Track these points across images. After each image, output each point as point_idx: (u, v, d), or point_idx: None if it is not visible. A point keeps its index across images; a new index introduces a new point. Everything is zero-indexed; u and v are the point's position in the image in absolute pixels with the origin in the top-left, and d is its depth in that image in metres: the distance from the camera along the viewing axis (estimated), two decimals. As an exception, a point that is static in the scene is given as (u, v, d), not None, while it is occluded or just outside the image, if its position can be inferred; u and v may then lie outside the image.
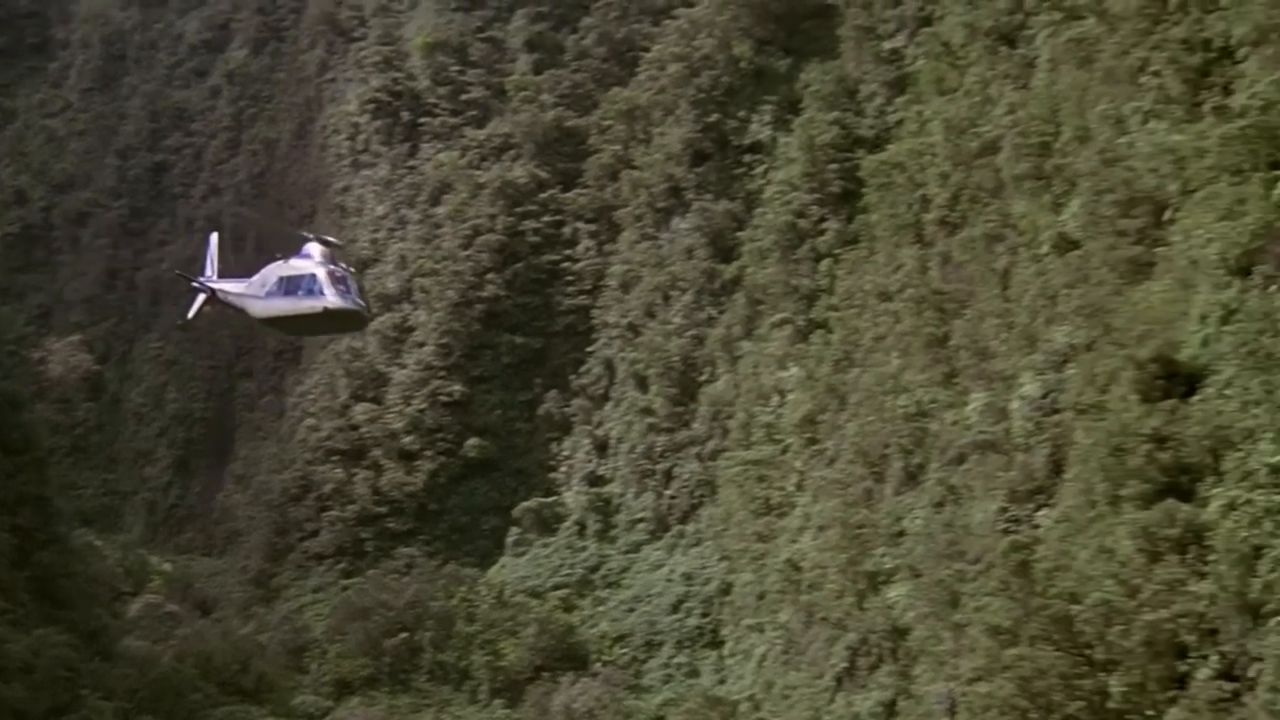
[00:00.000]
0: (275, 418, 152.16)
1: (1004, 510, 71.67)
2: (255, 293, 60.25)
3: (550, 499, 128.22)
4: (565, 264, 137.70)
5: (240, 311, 62.47)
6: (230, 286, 63.04)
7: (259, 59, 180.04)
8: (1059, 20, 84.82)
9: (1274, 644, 47.23)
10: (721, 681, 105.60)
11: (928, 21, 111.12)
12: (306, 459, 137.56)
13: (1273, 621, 47.63)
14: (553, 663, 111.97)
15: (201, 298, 65.04)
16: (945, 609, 74.12)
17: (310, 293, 57.01)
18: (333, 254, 59.05)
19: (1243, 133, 57.49)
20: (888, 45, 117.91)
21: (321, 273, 57.16)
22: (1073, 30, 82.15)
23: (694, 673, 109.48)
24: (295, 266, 58.36)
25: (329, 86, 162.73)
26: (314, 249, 58.67)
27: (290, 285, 57.90)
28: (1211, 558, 50.92)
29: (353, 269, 59.45)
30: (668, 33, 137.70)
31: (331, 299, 56.63)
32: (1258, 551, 48.70)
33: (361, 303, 58.61)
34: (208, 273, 65.95)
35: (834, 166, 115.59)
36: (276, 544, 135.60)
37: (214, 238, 67.32)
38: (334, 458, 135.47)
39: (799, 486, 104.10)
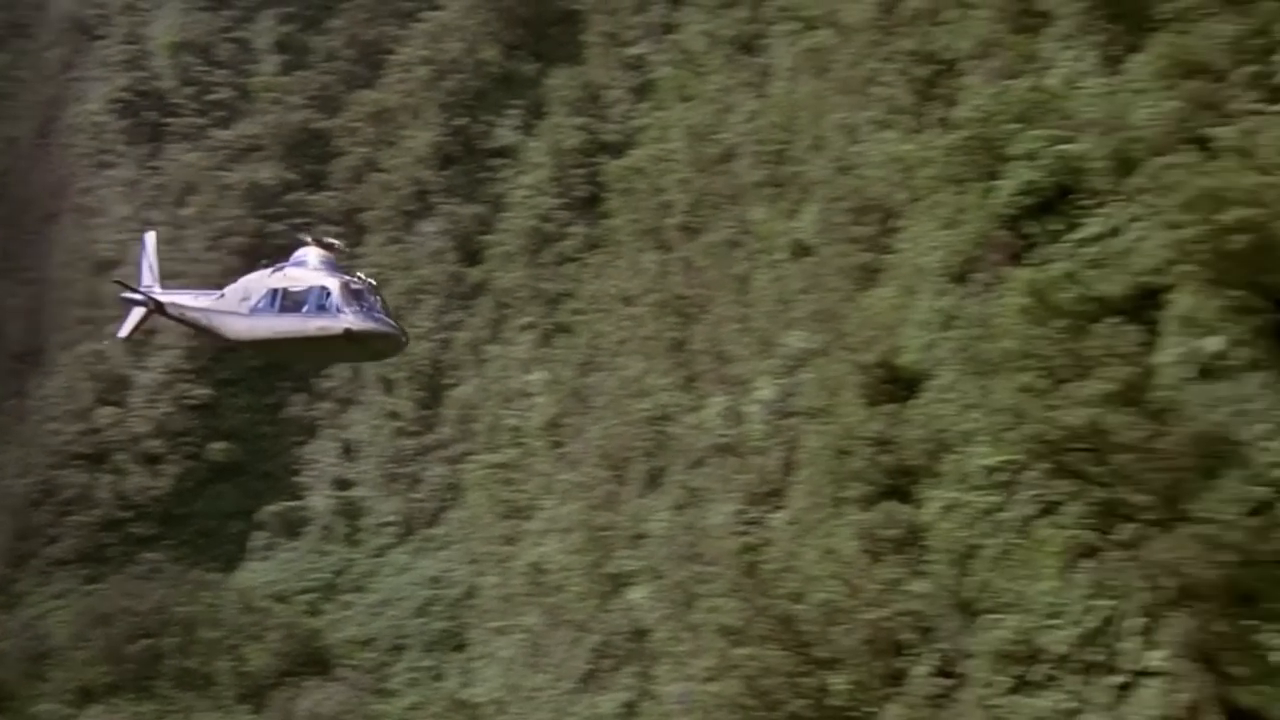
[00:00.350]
0: (17, 421, 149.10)
1: (740, 512, 72.83)
2: (232, 308, 47.10)
3: (296, 503, 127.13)
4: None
5: (206, 331, 49.24)
6: (187, 299, 50.14)
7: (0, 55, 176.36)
8: (796, 30, 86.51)
9: (986, 641, 48.65)
10: (467, 684, 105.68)
11: (671, 29, 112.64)
12: (48, 463, 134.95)
13: (985, 619, 49.09)
14: (298, 667, 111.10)
15: (141, 311, 51.79)
16: (683, 610, 75.13)
17: (323, 310, 43.88)
18: (336, 259, 46.14)
19: (965, 143, 58.95)
20: (632, 52, 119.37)
21: (335, 284, 44.16)
22: (809, 40, 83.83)
23: (440, 676, 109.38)
24: (294, 277, 45.39)
25: (72, 85, 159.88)
26: (310, 254, 45.78)
27: (290, 300, 45.04)
28: (929, 558, 52.34)
29: (373, 281, 45.70)
30: (415, 36, 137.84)
31: (354, 320, 43.42)
32: (972, 551, 50.12)
33: (393, 324, 45.21)
34: (146, 280, 52.57)
35: (579, 171, 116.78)
36: (18, 549, 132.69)
37: (150, 237, 54.16)
38: (77, 462, 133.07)
39: (544, 489, 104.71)
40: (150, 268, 52.66)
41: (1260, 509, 44.12)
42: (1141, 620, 45.15)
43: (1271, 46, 51.36)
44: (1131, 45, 56.24)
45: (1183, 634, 43.91)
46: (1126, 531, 45.51)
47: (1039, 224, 54.18)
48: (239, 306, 46.87)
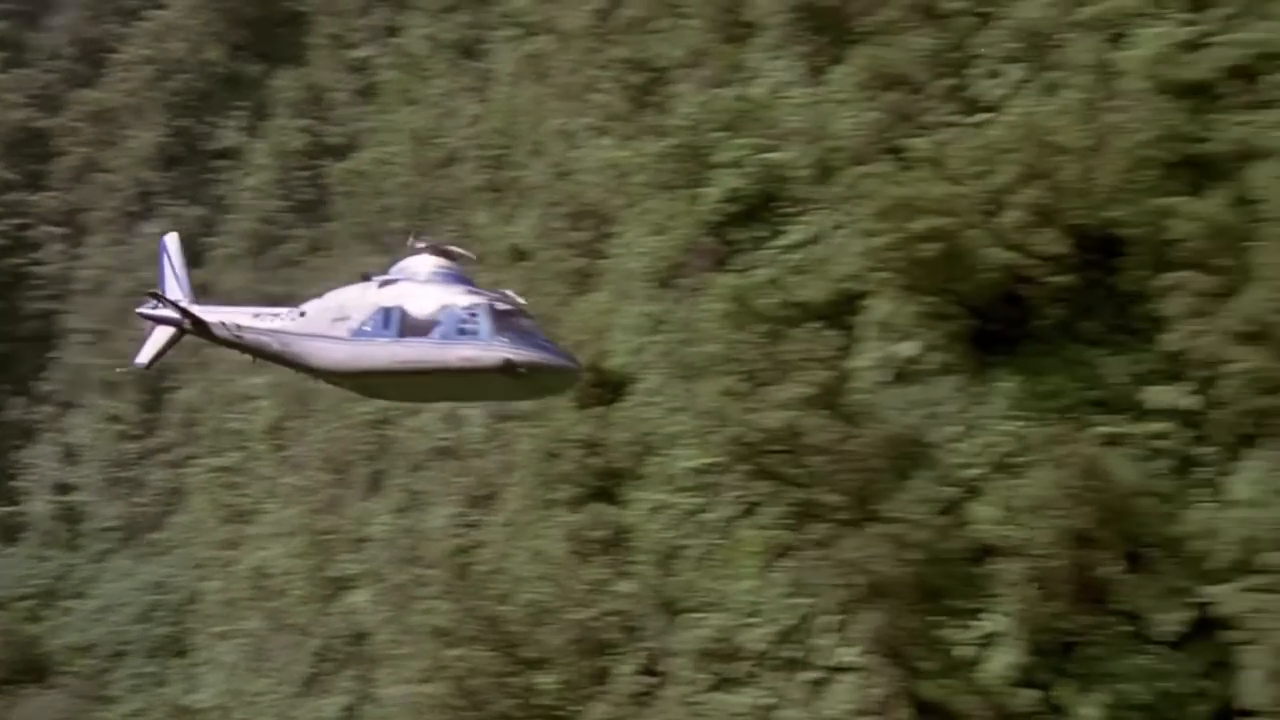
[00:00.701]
0: None
1: (457, 515, 73.18)
2: (322, 331, 36.56)
3: (14, 508, 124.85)
4: (32, 268, 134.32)
5: (278, 358, 38.18)
6: (245, 318, 39.19)
7: None
8: (517, 36, 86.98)
9: (688, 640, 49.63)
10: (190, 690, 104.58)
11: (394, 32, 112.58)
12: None
13: (688, 618, 50.03)
14: (16, 675, 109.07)
15: (169, 332, 40.59)
16: (402, 613, 75.26)
17: (466, 335, 33.70)
18: (462, 270, 35.86)
19: (675, 151, 59.86)
20: (356, 54, 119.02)
21: (481, 304, 33.90)
22: (529, 46, 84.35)
23: (162, 682, 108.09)
24: (414, 293, 34.85)
25: None
26: (423, 263, 35.28)
27: (412, 323, 34.68)
28: (635, 558, 53.17)
29: (521, 299, 35.24)
30: (138, 34, 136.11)
31: (515, 350, 33.23)
32: (676, 552, 51.12)
33: (565, 354, 34.17)
34: (170, 293, 41.53)
35: (303, 174, 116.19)
36: None
37: (172, 240, 42.81)
38: None
39: (267, 493, 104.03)
40: (177, 277, 41.81)
41: (948, 508, 45.64)
42: (835, 617, 46.44)
43: (966, 60, 53.04)
44: (835, 57, 57.69)
45: (874, 630, 45.23)
46: (821, 531, 46.70)
47: (744, 230, 55.33)
48: (332, 329, 36.15)
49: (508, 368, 32.63)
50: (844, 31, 57.57)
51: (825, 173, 53.72)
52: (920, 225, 46.82)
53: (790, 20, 59.82)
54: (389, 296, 34.60)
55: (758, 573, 48.34)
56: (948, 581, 44.85)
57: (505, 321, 32.96)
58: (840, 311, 50.72)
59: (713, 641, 48.85)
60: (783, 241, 54.07)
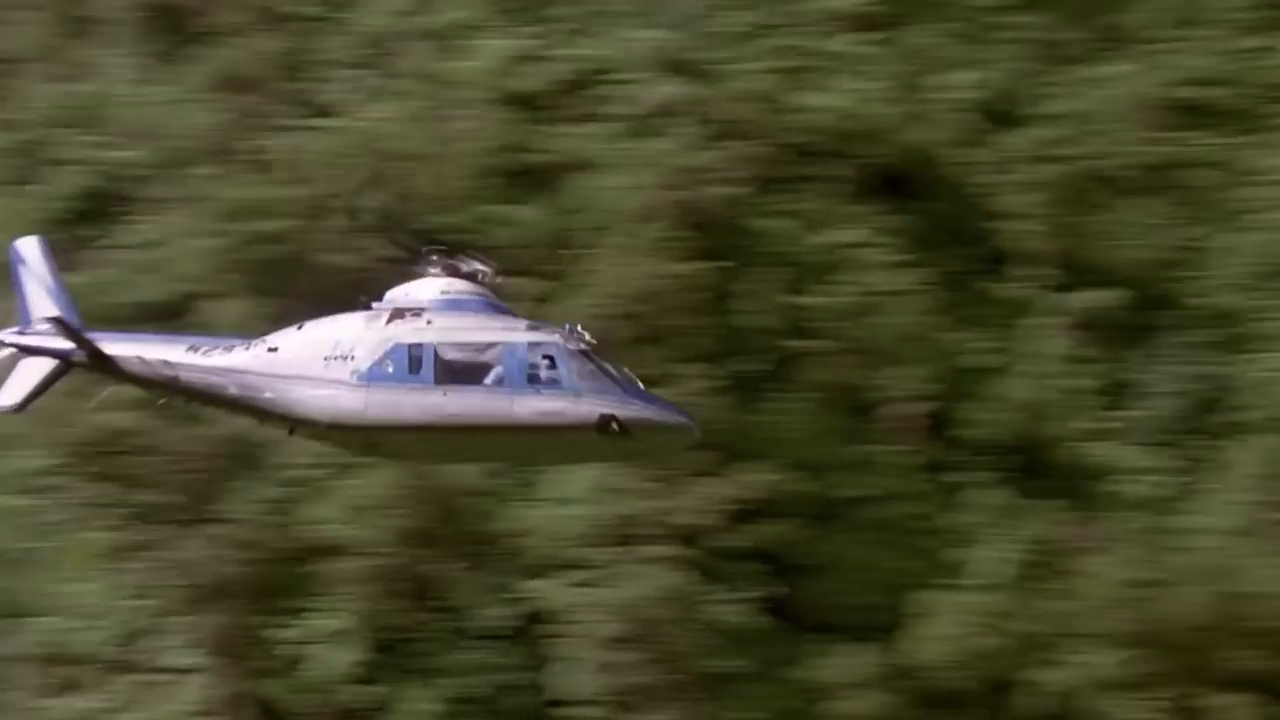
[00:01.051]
0: None
1: None
2: (312, 372, 28.18)
3: None
4: None
5: (235, 405, 29.30)
6: (177, 353, 29.59)
7: None
8: None
9: (28, 644, 48.81)
10: None
11: None
12: None
13: (27, 622, 49.22)
14: None
15: (44, 365, 30.20)
16: None
17: (539, 384, 26.75)
18: (492, 296, 29.10)
19: (21, 146, 58.67)
20: None
21: (555, 342, 27.13)
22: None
23: None
24: (444, 327, 27.74)
25: None
26: (433, 289, 28.73)
27: (454, 366, 27.44)
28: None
29: (590, 336, 27.74)
30: None
31: (616, 404, 26.56)
32: (16, 555, 50.07)
33: (677, 408, 27.89)
34: (40, 311, 31.28)
35: None
36: None
37: (29, 245, 33.06)
38: None
39: None
40: (50, 293, 31.87)
41: (288, 509, 46.37)
42: (178, 619, 46.52)
43: (311, 65, 53.79)
44: (184, 57, 57.42)
45: (215, 631, 45.57)
46: (163, 532, 46.74)
47: (89, 229, 54.57)
48: (328, 370, 28.21)
49: (604, 425, 26.45)
50: (191, 32, 57.40)
51: (171, 173, 53.51)
52: (264, 227, 47.36)
53: (137, 19, 59.18)
54: (407, 331, 27.88)
55: (100, 575, 47.92)
56: (288, 581, 45.61)
57: (589, 365, 26.88)
58: (181, 312, 50.55)
59: (53, 645, 48.18)
60: (127, 240, 53.56)
